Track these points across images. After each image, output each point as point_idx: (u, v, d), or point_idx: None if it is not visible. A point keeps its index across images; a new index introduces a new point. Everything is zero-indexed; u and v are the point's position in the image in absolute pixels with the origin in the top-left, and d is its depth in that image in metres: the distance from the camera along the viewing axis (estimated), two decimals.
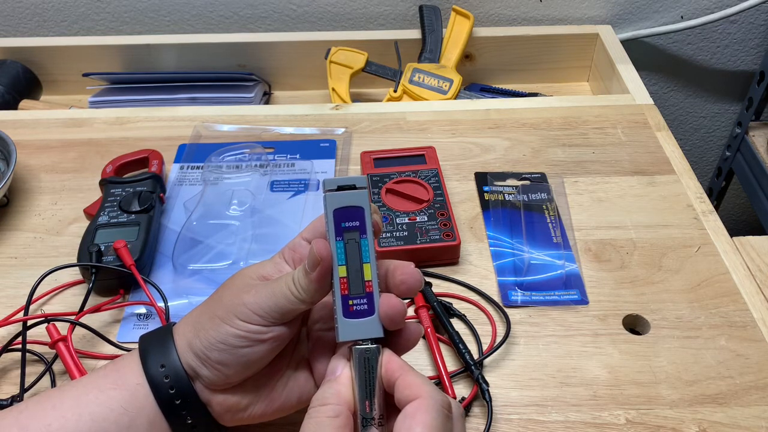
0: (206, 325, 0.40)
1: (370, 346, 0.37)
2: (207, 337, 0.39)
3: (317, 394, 0.37)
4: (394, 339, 0.39)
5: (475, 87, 0.92)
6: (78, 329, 0.54)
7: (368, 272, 0.38)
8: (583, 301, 0.58)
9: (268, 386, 0.42)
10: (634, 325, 0.57)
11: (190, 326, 0.41)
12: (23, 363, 0.50)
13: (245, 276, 0.41)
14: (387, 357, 0.37)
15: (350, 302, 0.38)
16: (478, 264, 0.62)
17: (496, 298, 0.58)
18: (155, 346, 0.41)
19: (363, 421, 0.36)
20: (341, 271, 0.38)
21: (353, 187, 0.39)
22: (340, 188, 0.39)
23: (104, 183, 0.65)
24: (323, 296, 0.39)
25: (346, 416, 0.36)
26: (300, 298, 0.38)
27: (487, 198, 0.68)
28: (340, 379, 0.37)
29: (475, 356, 0.53)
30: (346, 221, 0.38)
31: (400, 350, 0.40)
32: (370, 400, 0.37)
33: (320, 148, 0.74)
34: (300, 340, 0.43)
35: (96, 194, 0.67)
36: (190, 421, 0.41)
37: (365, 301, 0.38)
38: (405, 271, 0.39)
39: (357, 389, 0.37)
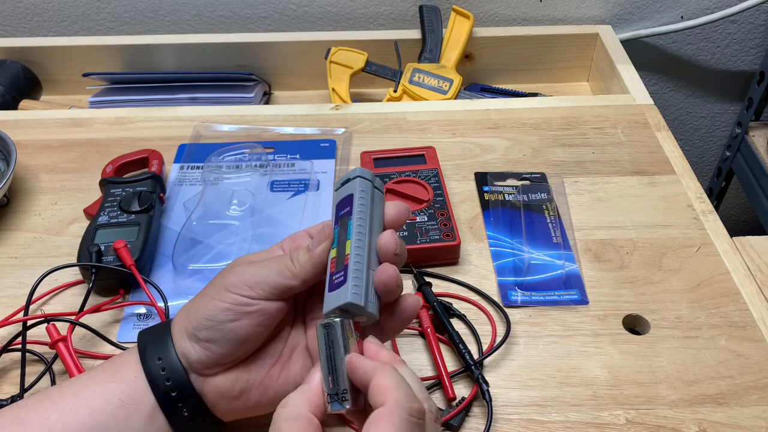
0: (197, 306, 0.41)
1: (333, 319, 0.37)
2: (196, 317, 0.40)
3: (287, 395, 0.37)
4: (391, 310, 0.40)
5: (475, 87, 0.92)
6: (78, 329, 0.54)
7: (348, 248, 0.40)
8: (583, 301, 0.58)
9: (260, 372, 0.42)
10: (634, 325, 0.57)
11: (183, 313, 0.42)
12: (23, 363, 0.50)
13: (238, 261, 0.43)
14: (358, 359, 0.36)
15: (333, 278, 0.39)
16: (478, 264, 0.62)
17: (496, 298, 0.58)
18: (153, 340, 0.42)
19: (328, 398, 0.36)
20: (332, 253, 0.41)
21: (348, 180, 0.42)
22: (342, 184, 0.43)
23: (104, 183, 0.65)
24: (315, 278, 0.41)
25: (306, 419, 0.35)
26: (293, 272, 0.40)
27: (487, 198, 0.68)
28: (311, 378, 0.37)
29: (475, 356, 0.53)
30: (341, 210, 0.42)
31: (397, 322, 0.41)
32: (333, 374, 0.36)
33: (320, 148, 0.74)
34: (294, 328, 0.44)
35: (96, 194, 0.67)
36: (186, 414, 0.41)
37: (342, 273, 0.39)
38: (383, 270, 0.39)
39: (322, 366, 0.37)
